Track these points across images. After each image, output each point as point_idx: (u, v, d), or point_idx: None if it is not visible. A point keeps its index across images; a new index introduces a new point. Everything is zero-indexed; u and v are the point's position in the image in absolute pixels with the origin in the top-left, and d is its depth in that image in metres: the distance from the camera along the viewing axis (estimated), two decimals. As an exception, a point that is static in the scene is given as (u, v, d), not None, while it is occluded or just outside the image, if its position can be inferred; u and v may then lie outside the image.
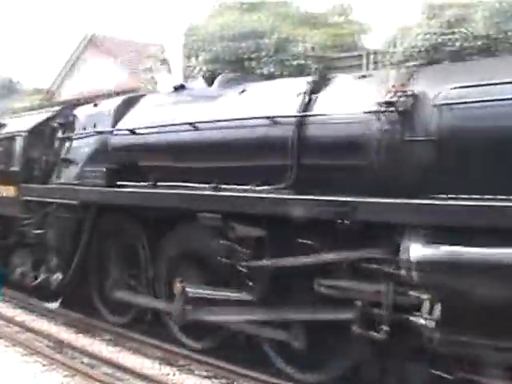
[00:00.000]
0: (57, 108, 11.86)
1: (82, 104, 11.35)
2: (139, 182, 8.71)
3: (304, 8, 21.04)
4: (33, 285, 10.72)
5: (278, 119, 7.21)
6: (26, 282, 10.95)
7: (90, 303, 10.11)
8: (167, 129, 8.43)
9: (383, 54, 16.33)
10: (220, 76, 9.23)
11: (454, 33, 16.23)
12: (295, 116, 7.06)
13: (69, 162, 10.25)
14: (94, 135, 9.78)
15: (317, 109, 7.04)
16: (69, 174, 10.21)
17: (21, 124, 11.69)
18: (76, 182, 9.77)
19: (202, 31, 19.59)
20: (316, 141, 6.91)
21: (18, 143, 11.29)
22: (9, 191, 11.22)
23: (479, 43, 15.38)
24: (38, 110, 13.36)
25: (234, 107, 7.94)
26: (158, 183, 8.43)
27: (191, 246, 8.26)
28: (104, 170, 9.12)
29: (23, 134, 11.27)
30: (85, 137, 10.00)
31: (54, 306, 10.45)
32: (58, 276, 10.05)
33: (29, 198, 10.69)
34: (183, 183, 8.08)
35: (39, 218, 10.46)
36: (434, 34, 16.48)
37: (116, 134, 9.36)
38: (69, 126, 10.63)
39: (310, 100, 7.15)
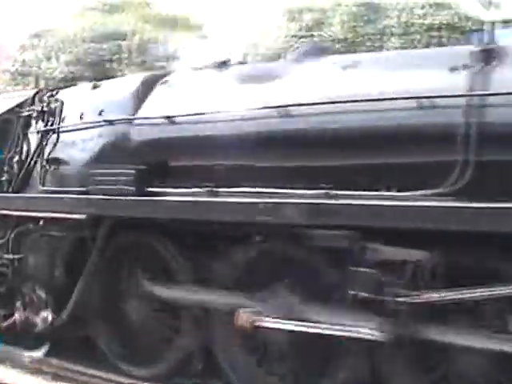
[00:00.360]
0: (27, 93, 9.09)
1: (65, 87, 8.76)
2: (179, 187, 6.43)
3: (165, 10, 21.89)
4: (4, 326, 8.07)
5: (437, 101, 5.18)
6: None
7: (90, 348, 7.62)
8: (236, 115, 6.19)
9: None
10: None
11: (312, 36, 17.04)
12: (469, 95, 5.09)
13: (59, 162, 7.69)
14: (102, 125, 7.27)
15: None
16: (61, 178, 7.67)
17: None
18: (77, 188, 7.25)
19: (62, 33, 19.79)
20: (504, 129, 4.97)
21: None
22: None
23: (338, 46, 16.04)
24: (-7, 97, 10.55)
25: (341, 86, 5.84)
26: (220, 189, 6.15)
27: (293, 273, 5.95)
28: (133, 171, 6.66)
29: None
30: (85, 128, 7.45)
31: (38, 354, 7.85)
32: (48, 316, 7.48)
33: (-3, 212, 8.03)
34: (265, 189, 5.87)
35: (14, 238, 7.86)
36: (294, 36, 17.35)
37: (141, 124, 6.96)
38: (51, 114, 8.02)
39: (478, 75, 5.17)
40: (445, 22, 18.27)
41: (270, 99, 6.02)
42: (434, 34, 18.04)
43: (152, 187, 6.63)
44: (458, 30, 17.74)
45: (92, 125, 7.38)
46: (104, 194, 6.75)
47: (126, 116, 7.08)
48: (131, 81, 7.64)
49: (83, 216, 6.83)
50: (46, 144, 7.94)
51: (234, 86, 6.61)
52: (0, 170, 8.39)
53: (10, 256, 7.84)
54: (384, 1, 18.62)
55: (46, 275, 7.51)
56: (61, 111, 7.94)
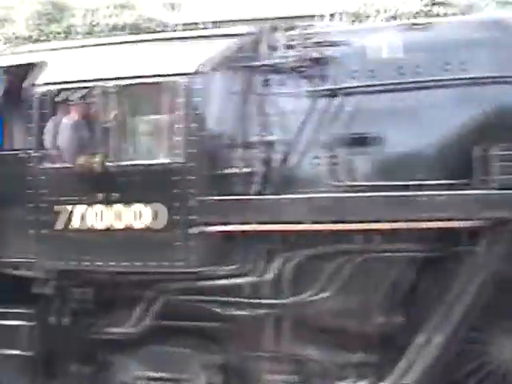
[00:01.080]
0: (237, 31, 6.15)
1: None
2: None
3: None
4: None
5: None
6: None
7: None
8: None
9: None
10: None
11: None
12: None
13: (369, 142, 5.36)
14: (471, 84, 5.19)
15: None
16: (382, 167, 5.43)
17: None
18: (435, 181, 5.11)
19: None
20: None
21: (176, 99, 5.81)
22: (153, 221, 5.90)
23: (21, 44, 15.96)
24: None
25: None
26: None
27: None
28: None
29: (183, 80, 5.80)
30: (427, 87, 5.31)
31: None
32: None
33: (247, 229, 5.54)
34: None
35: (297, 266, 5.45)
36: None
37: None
38: (323, 65, 5.59)
39: None
40: (129, 22, 19.41)
41: None
42: (119, 33, 18.61)
43: None
44: (142, 31, 18.33)
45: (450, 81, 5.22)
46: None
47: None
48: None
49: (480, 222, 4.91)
50: (329, 113, 5.50)
51: None
52: (227, 162, 5.81)
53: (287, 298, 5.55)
54: (69, 0, 19.40)
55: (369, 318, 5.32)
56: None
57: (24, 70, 6.46)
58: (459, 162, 5.08)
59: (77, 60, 6.48)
